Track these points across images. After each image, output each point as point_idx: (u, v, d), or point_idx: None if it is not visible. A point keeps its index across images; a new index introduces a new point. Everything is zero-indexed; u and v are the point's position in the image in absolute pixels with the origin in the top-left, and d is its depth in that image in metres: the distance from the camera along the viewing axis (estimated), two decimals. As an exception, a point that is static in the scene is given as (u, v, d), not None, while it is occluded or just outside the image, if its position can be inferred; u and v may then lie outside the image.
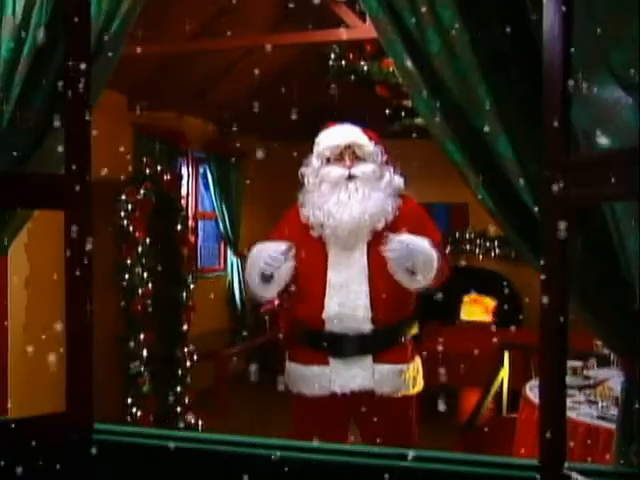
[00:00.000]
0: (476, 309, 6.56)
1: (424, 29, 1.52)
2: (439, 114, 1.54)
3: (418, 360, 2.40)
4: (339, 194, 2.23)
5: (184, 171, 5.55)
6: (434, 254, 2.14)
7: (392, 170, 2.32)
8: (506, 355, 3.34)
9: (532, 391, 2.41)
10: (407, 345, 2.33)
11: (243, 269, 6.12)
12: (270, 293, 2.26)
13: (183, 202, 4.75)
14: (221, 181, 6.00)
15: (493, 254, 6.51)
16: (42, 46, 1.53)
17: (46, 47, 1.52)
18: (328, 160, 2.28)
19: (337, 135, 2.31)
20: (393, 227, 2.23)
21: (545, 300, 1.30)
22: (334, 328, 2.22)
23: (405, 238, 2.11)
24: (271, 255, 2.17)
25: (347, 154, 2.27)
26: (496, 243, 6.48)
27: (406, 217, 2.28)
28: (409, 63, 1.56)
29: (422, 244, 2.14)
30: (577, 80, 1.27)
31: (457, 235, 6.61)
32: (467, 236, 6.66)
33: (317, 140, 2.36)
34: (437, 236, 2.28)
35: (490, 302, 6.48)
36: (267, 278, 2.21)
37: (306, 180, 2.33)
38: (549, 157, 1.29)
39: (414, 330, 2.38)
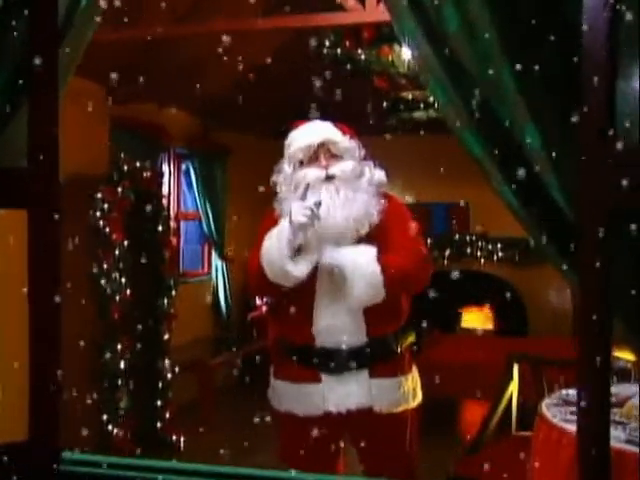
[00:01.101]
0: (477, 316, 6.57)
1: (441, 4, 1.40)
2: (457, 101, 1.43)
3: (415, 371, 2.36)
4: (319, 196, 2.14)
5: (165, 168, 5.49)
6: (373, 270, 2.07)
7: (371, 165, 2.25)
8: (515, 368, 3.23)
9: (549, 410, 2.30)
10: (404, 355, 2.29)
11: (229, 273, 6.24)
12: (303, 269, 2.10)
13: (164, 201, 4.69)
14: (205, 179, 5.96)
15: (495, 257, 6.48)
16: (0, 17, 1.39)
17: (5, 18, 1.38)
18: (301, 163, 2.21)
19: (308, 133, 2.23)
20: (377, 230, 2.17)
21: (583, 313, 1.18)
22: (325, 343, 2.16)
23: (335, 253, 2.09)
24: (304, 205, 2.05)
25: (322, 153, 2.20)
26: (499, 246, 6.45)
27: (389, 220, 2.21)
28: (423, 43, 1.44)
29: (356, 256, 2.09)
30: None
31: (457, 237, 6.52)
32: (468, 238, 6.59)
33: (286, 142, 2.27)
34: (405, 238, 2.18)
35: (493, 309, 6.48)
36: (297, 251, 2.09)
37: (279, 189, 2.25)
38: (587, 149, 1.18)
39: (410, 338, 2.33)
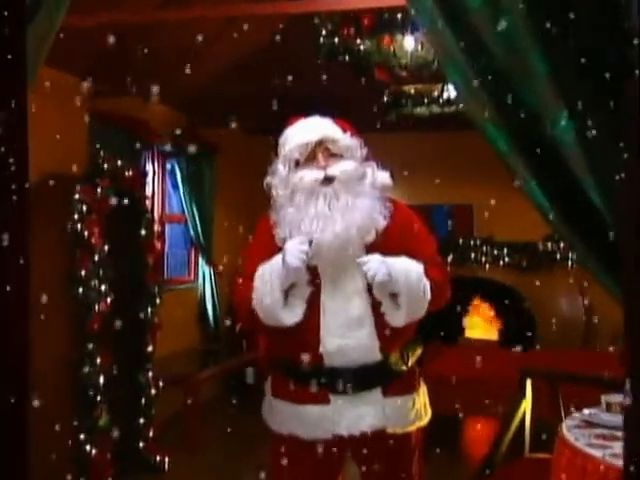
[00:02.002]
0: (482, 326, 6.50)
1: (461, -24, 1.30)
2: (478, 89, 1.33)
3: (424, 385, 2.33)
4: (316, 205, 2.08)
5: (149, 167, 5.47)
6: (424, 284, 2.08)
7: (374, 166, 2.19)
8: (528, 383, 3.14)
9: (571, 432, 2.20)
10: (414, 370, 2.27)
11: (216, 280, 6.23)
12: (298, 312, 2.08)
13: (148, 203, 4.62)
14: (192, 179, 5.94)
15: (501, 263, 6.43)
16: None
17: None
18: (297, 163, 2.14)
19: (305, 131, 2.16)
20: (385, 238, 2.11)
21: (630, 326, 1.08)
22: (335, 363, 2.10)
23: (381, 258, 2.05)
24: (298, 248, 2.02)
25: (320, 152, 2.13)
26: (505, 250, 6.41)
27: (399, 226, 2.16)
28: (441, 22, 1.34)
29: (408, 268, 2.08)
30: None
31: (460, 241, 6.46)
32: (471, 242, 6.56)
33: (281, 140, 2.20)
34: (433, 251, 2.21)
35: (498, 318, 6.42)
36: (286, 296, 2.07)
37: (274, 193, 2.17)
38: (631, 147, 1.08)
39: (419, 350, 2.29)
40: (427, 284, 2.08)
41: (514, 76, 1.31)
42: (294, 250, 2.02)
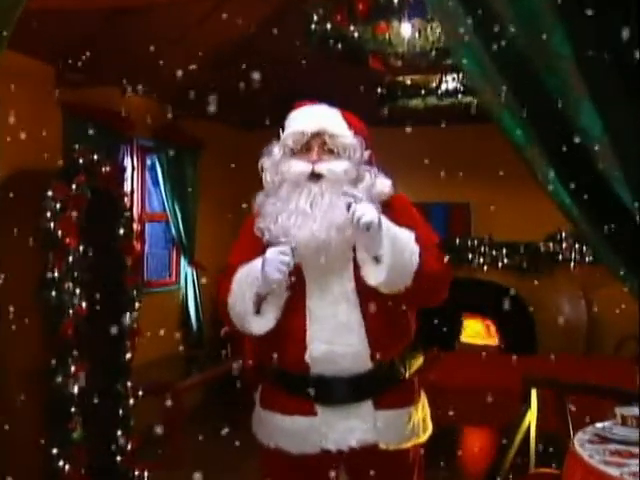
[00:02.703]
0: (480, 330, 6.50)
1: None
2: (493, 74, 1.26)
3: (425, 398, 2.27)
4: (298, 200, 2.05)
5: (128, 162, 5.41)
6: (413, 249, 1.99)
7: (375, 171, 2.13)
8: (533, 393, 3.08)
9: (584, 448, 2.13)
10: (413, 381, 2.21)
11: (199, 282, 6.21)
12: (269, 322, 2.06)
13: (126, 200, 4.54)
14: (173, 175, 5.89)
15: (500, 264, 6.38)
16: None
17: None
18: (293, 152, 2.11)
19: (304, 118, 2.13)
20: None
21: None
22: (322, 371, 2.07)
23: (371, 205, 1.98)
24: (279, 259, 1.98)
25: (315, 144, 2.08)
26: (504, 251, 6.36)
27: (396, 215, 2.10)
28: (452, 1, 1.26)
29: (399, 230, 2.00)
30: None
31: (457, 241, 6.43)
32: (469, 242, 6.52)
33: (286, 123, 2.16)
34: (433, 237, 2.16)
35: (496, 322, 6.42)
36: (260, 302, 2.06)
37: (264, 177, 2.16)
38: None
39: (419, 360, 2.24)
40: (416, 251, 1.98)
41: (534, 60, 1.24)
42: (274, 261, 1.98)
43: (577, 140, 1.22)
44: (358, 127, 2.14)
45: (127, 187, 4.89)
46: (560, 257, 6.01)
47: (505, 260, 6.38)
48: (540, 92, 1.24)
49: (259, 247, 2.09)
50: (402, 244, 1.97)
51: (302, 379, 2.08)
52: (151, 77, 4.70)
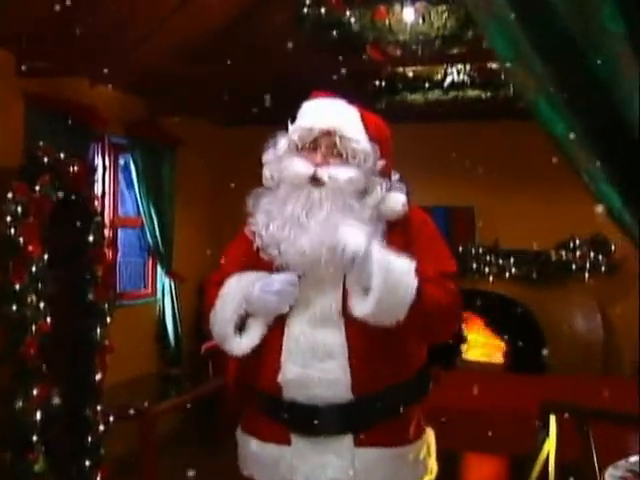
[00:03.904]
0: (484, 347, 6.47)
1: None
2: (530, 56, 1.17)
3: (429, 435, 2.17)
4: (295, 204, 1.99)
5: (98, 161, 5.37)
6: (411, 282, 1.89)
7: (387, 184, 2.05)
8: (552, 420, 3.02)
9: (615, 481, 2.06)
10: (410, 416, 2.09)
11: (177, 293, 6.20)
12: (249, 342, 2.04)
13: (97, 204, 4.50)
14: (149, 176, 5.87)
15: (507, 274, 6.32)
16: None
17: None
18: (298, 148, 2.04)
19: (315, 113, 2.05)
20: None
21: None
22: (296, 396, 2.02)
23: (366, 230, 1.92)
24: (290, 291, 1.98)
25: (323, 144, 2.00)
26: (511, 260, 6.30)
27: (411, 236, 2.04)
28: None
29: (394, 258, 1.90)
30: None
31: (460, 249, 6.41)
32: (473, 250, 6.48)
33: (298, 114, 2.09)
34: (448, 266, 2.07)
35: (503, 338, 6.39)
36: (242, 323, 2.04)
37: (264, 171, 2.10)
38: None
39: (425, 391, 2.15)
40: (413, 286, 1.88)
41: (579, 39, 1.14)
42: (286, 293, 1.97)
43: (629, 133, 1.12)
44: (377, 132, 2.05)
45: (98, 189, 4.85)
46: (573, 267, 5.97)
47: (513, 270, 6.33)
48: (585, 76, 1.15)
49: (251, 256, 2.06)
50: (396, 277, 1.87)
51: (276, 402, 2.04)
52: (124, 68, 4.73)
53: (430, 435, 2.18)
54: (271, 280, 1.98)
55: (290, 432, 2.04)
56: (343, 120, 2.00)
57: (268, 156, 2.08)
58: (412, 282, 1.88)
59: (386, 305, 1.87)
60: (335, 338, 1.98)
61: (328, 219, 1.94)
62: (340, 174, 1.96)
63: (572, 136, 1.16)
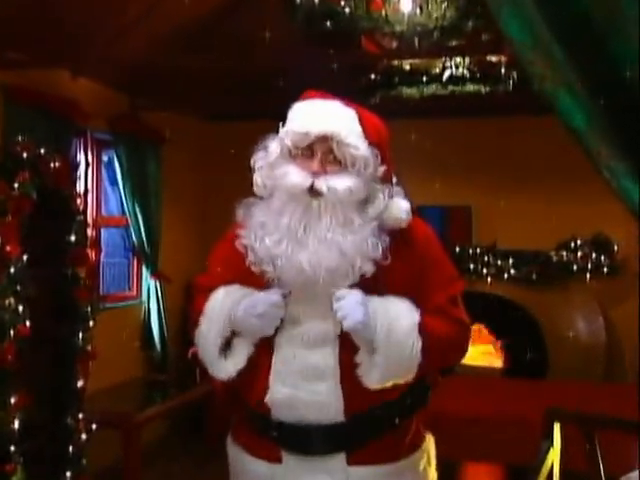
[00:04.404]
0: (482, 351, 6.42)
1: None
2: (550, 43, 1.10)
3: (429, 443, 2.16)
4: (291, 217, 1.94)
5: (80, 157, 5.34)
6: (414, 342, 1.91)
7: (390, 191, 1.99)
8: (557, 428, 2.98)
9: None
10: (407, 428, 2.07)
11: (164, 296, 6.16)
12: (234, 367, 2.03)
13: (79, 202, 4.48)
14: (134, 173, 5.83)
15: (506, 275, 6.27)
16: None
17: None
18: (292, 153, 1.97)
19: (310, 116, 1.95)
20: (381, 270, 1.94)
21: None
22: (284, 417, 2.01)
23: (360, 297, 1.91)
24: (274, 314, 1.96)
25: (320, 150, 1.92)
26: (510, 261, 6.25)
27: (413, 252, 2.01)
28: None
29: (395, 317, 1.92)
30: None
31: (457, 249, 6.41)
32: (470, 251, 6.43)
33: (289, 115, 2.01)
34: (447, 296, 2.03)
35: (502, 341, 6.35)
36: (229, 342, 2.03)
37: (255, 178, 2.03)
38: None
39: (424, 401, 2.13)
40: (418, 342, 1.90)
41: (599, 24, 1.08)
42: (269, 315, 1.94)
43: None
44: (376, 135, 1.98)
45: (80, 186, 4.79)
46: (574, 268, 5.94)
47: (511, 271, 6.27)
48: (607, 64, 1.09)
49: (240, 264, 2.00)
50: (398, 342, 1.90)
51: (265, 420, 2.02)
52: (107, 59, 4.65)
53: (430, 442, 2.16)
54: (255, 301, 1.95)
55: (283, 450, 2.03)
56: (341, 124, 1.91)
57: (259, 162, 2.01)
58: (417, 342, 1.89)
59: (392, 372, 1.91)
60: (327, 360, 1.95)
61: (327, 236, 1.90)
62: (339, 184, 1.90)
63: (591, 127, 1.11)
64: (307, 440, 1.99)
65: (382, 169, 1.94)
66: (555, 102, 1.13)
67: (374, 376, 1.90)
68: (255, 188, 2.02)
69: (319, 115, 1.93)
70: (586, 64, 1.10)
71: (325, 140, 1.90)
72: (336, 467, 1.99)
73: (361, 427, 1.99)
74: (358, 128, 1.93)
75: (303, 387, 1.95)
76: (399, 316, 1.90)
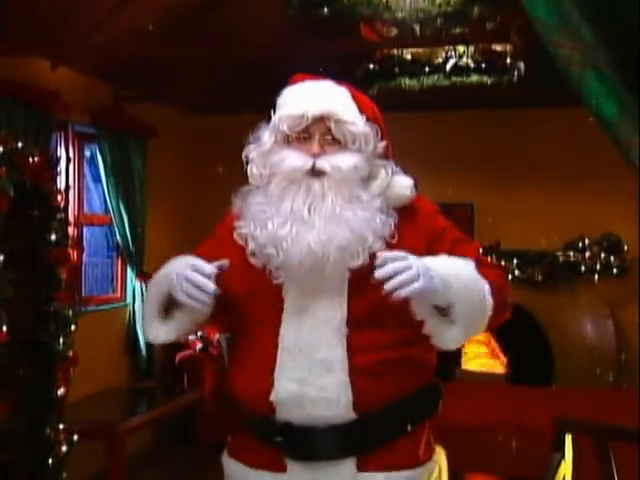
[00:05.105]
0: (485, 355, 6.42)
1: None
2: (579, 25, 1.05)
3: (440, 456, 2.14)
4: (293, 200, 1.95)
5: (61, 152, 5.37)
6: (483, 287, 1.89)
7: (392, 167, 2.04)
8: (568, 440, 2.94)
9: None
10: (419, 434, 2.06)
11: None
12: (165, 335, 2.07)
13: (60, 199, 4.43)
14: (118, 168, 5.83)
15: (510, 277, 6.26)
16: None
17: None
18: (287, 139, 2.00)
19: (304, 98, 2.00)
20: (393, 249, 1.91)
21: None
22: (290, 417, 1.97)
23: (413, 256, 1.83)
24: (196, 279, 1.92)
25: (317, 132, 1.96)
26: (514, 261, 6.26)
27: (424, 228, 2.02)
28: None
29: (457, 267, 1.88)
30: None
31: None
32: (472, 251, 6.38)
33: (279, 101, 2.05)
34: (475, 247, 2.10)
35: (505, 346, 6.34)
36: (170, 309, 2.04)
37: (249, 169, 2.05)
38: None
39: (436, 406, 2.13)
40: (486, 287, 1.89)
41: (632, 2, 1.01)
42: (186, 281, 1.91)
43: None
44: (372, 111, 2.02)
45: (61, 183, 4.84)
46: (582, 268, 5.96)
47: (516, 272, 6.28)
48: (636, 44, 1.02)
49: (227, 250, 2.02)
50: (471, 290, 1.87)
51: (268, 424, 1.99)
52: (89, 48, 4.63)
53: (441, 455, 2.15)
54: (192, 265, 1.93)
55: (287, 457, 2.00)
56: (337, 102, 1.96)
57: (252, 153, 2.04)
58: (485, 286, 1.88)
59: (472, 325, 1.89)
60: (335, 351, 1.94)
61: (336, 210, 1.91)
62: (342, 162, 1.93)
63: (623, 115, 1.05)
64: (314, 443, 1.97)
65: (382, 145, 1.99)
66: (583, 88, 1.07)
67: (454, 334, 1.86)
68: (250, 179, 2.03)
69: (314, 96, 1.98)
70: (618, 47, 1.05)
71: (322, 121, 1.93)
72: (346, 474, 1.97)
73: (372, 427, 1.98)
74: (354, 105, 1.98)
75: (311, 382, 1.94)
76: (457, 266, 1.88)
